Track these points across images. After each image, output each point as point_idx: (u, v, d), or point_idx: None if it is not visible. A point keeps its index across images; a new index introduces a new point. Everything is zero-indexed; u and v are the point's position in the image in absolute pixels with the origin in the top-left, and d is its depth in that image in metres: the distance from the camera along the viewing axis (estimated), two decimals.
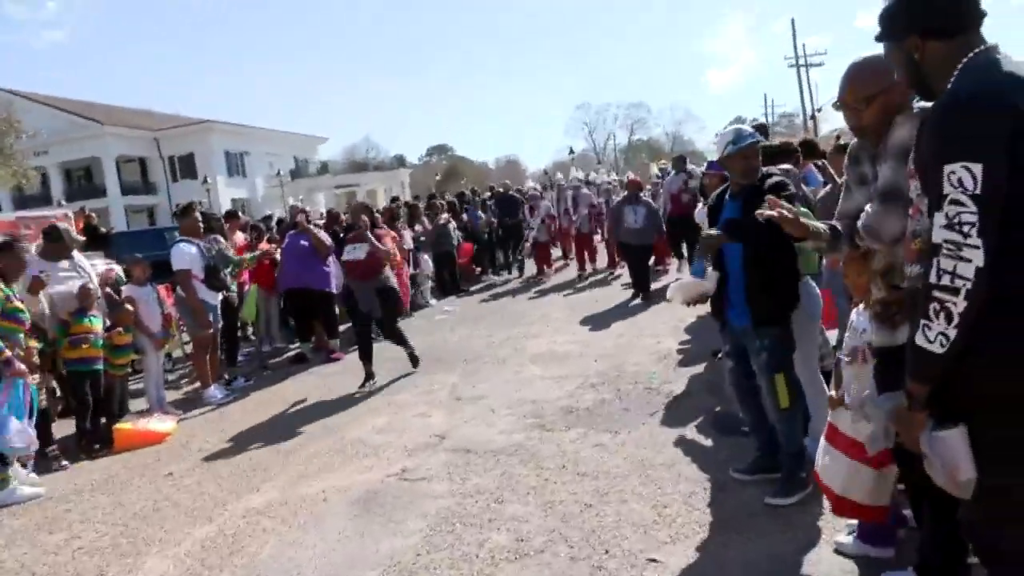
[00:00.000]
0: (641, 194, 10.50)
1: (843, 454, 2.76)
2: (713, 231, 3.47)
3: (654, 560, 3.10)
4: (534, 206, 13.78)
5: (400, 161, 58.98)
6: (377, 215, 8.35)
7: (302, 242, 8.08)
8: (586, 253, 13.25)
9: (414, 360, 7.11)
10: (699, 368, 6.04)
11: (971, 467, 1.72)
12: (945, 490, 1.80)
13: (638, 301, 9.70)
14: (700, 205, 6.45)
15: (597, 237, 14.34)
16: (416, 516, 3.82)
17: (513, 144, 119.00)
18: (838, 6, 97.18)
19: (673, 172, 10.79)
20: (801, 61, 38.34)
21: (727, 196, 3.72)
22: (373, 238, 6.85)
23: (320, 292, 8.05)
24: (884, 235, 2.29)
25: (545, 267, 13.66)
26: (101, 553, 3.83)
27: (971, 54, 1.79)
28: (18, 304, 4.94)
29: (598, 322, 8.61)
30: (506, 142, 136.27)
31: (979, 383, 1.71)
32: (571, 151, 48.67)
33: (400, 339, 7.10)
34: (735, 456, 4.03)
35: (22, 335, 4.97)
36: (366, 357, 6.81)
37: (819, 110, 34.19)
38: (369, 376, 6.75)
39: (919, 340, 1.72)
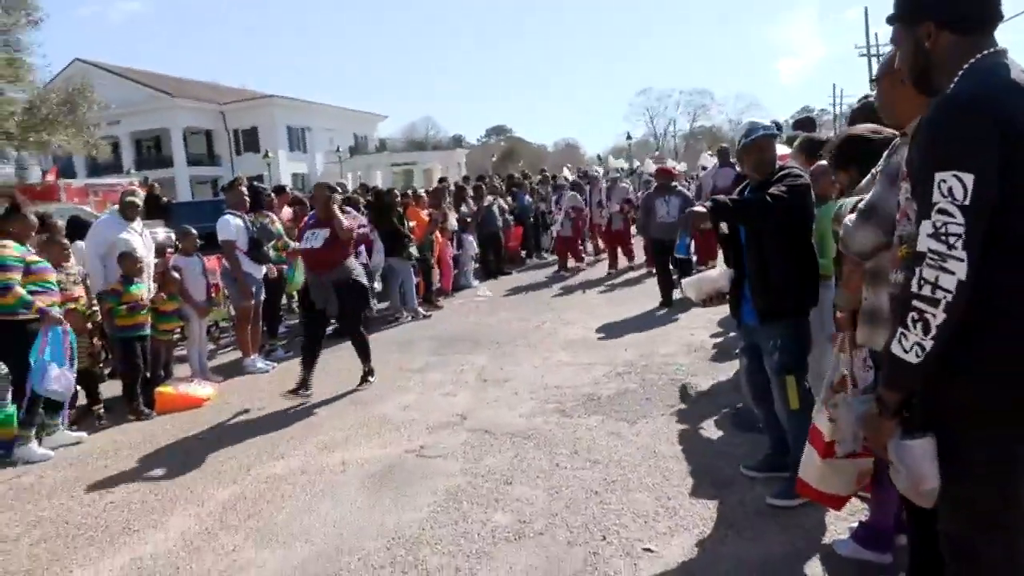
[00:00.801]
0: (675, 184, 9.50)
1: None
2: (699, 208, 3.40)
3: (649, 550, 3.13)
4: (559, 197, 12.86)
5: (458, 141, 59.36)
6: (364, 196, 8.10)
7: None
8: (619, 250, 12.34)
9: (364, 378, 6.25)
10: (728, 363, 5.99)
11: (936, 477, 1.71)
12: (907, 496, 1.80)
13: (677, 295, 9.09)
14: None
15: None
16: (427, 492, 3.92)
17: (572, 128, 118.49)
18: None
19: (718, 165, 9.89)
20: (873, 51, 37.02)
21: (747, 192, 3.68)
22: (341, 217, 6.04)
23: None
24: (852, 246, 2.26)
25: (569, 263, 12.71)
26: (130, 508, 4.06)
27: (980, 55, 1.73)
28: (35, 257, 5.20)
29: (634, 312, 8.57)
30: (566, 125, 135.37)
31: (963, 391, 1.68)
32: (628, 136, 48.67)
33: (361, 346, 6.26)
34: (749, 453, 4.01)
35: (54, 286, 5.24)
36: (307, 362, 6.01)
37: None
38: (304, 384, 5.88)
39: (894, 348, 1.69)
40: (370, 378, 6.27)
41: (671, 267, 8.69)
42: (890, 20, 1.92)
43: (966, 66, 1.73)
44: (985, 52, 1.73)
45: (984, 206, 1.59)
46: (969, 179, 1.58)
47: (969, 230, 1.58)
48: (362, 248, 8.39)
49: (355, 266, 6.24)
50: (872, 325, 2.38)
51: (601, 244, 13.76)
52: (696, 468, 3.96)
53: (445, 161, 45.77)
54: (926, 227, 1.64)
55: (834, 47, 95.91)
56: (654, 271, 10.13)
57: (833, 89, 77.34)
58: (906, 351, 1.66)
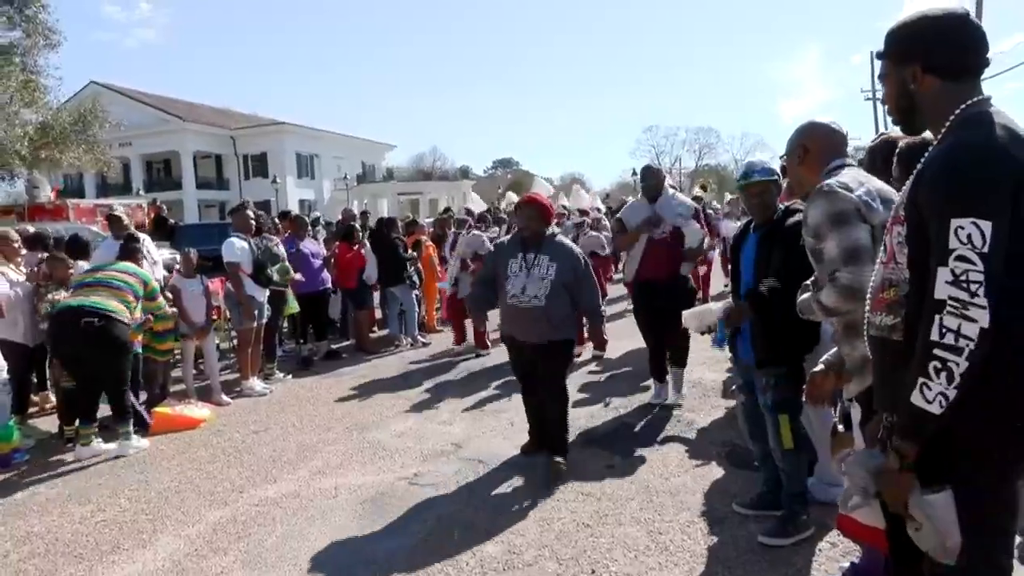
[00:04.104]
0: (555, 230, 4.94)
1: None
2: (739, 304, 3.45)
3: None
4: (456, 239, 9.05)
5: (464, 173, 59.83)
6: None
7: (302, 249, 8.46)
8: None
9: None
10: (728, 401, 5.97)
11: (958, 531, 1.66)
12: (930, 553, 1.72)
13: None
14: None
15: None
16: (418, 520, 3.91)
17: (578, 162, 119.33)
18: None
19: (641, 198, 6.15)
20: (878, 95, 37.35)
21: (751, 227, 3.68)
22: None
23: (323, 292, 8.70)
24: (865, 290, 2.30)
25: (465, 338, 8.82)
26: (120, 527, 4.04)
27: (969, 102, 1.74)
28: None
29: (634, 346, 8.55)
30: (572, 160, 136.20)
31: (978, 437, 1.65)
32: (634, 172, 48.93)
33: None
34: (743, 490, 3.99)
35: None
36: None
37: None
38: None
39: (916, 400, 1.63)
40: None
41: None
42: (879, 56, 1.93)
43: (958, 111, 1.73)
44: (974, 100, 1.74)
45: (1000, 253, 1.57)
46: (987, 226, 1.56)
47: (988, 277, 1.56)
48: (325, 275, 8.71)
49: None
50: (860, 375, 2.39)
51: None
52: (689, 504, 3.94)
53: (451, 192, 46.01)
54: (944, 274, 1.60)
55: (837, 90, 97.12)
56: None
57: None
58: (929, 401, 1.61)
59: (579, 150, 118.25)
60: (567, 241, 4.79)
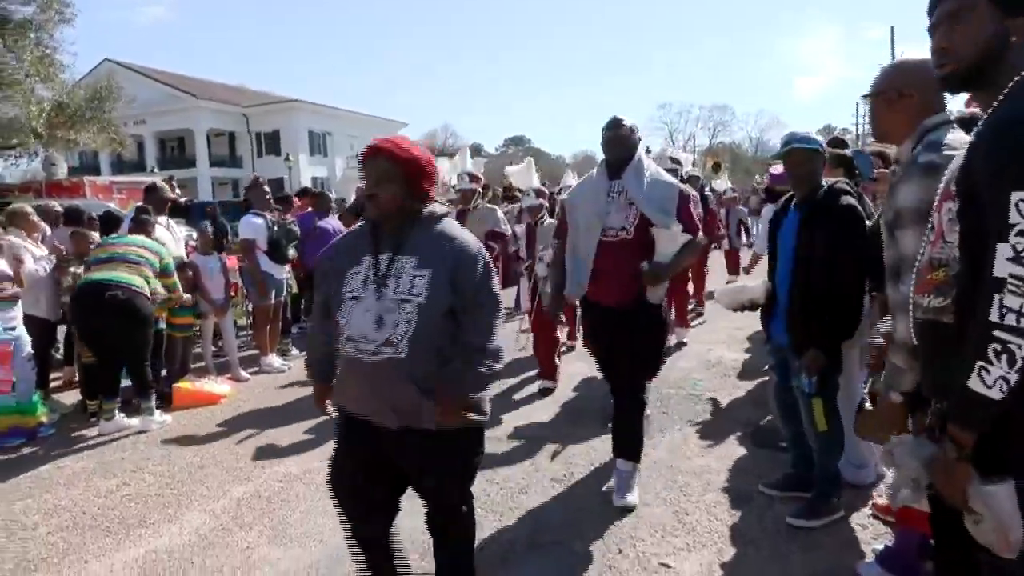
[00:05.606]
0: (438, 209, 2.46)
1: None
2: (815, 354, 3.21)
3: (666, 565, 3.10)
4: None
5: (476, 150, 59.47)
6: None
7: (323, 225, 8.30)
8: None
9: None
10: (749, 381, 5.95)
11: (1021, 524, 1.57)
12: (990, 548, 1.62)
13: (701, 311, 8.82)
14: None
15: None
16: None
17: (591, 140, 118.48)
18: None
19: (599, 169, 3.91)
20: None
21: (793, 204, 3.51)
22: None
23: None
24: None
25: None
26: (146, 501, 4.07)
27: None
28: None
29: None
30: (584, 137, 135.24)
31: None
32: (648, 150, 48.46)
33: None
34: (767, 470, 3.98)
35: None
36: None
37: None
38: None
39: (974, 384, 1.54)
40: None
41: None
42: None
43: (1018, 78, 1.61)
44: None
45: None
46: None
47: None
48: None
49: None
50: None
51: None
52: (714, 484, 3.92)
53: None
54: (1004, 251, 1.50)
55: (855, 66, 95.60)
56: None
57: (857, 108, 76.67)
58: (988, 386, 1.52)
59: (592, 128, 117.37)
60: (455, 227, 2.48)
